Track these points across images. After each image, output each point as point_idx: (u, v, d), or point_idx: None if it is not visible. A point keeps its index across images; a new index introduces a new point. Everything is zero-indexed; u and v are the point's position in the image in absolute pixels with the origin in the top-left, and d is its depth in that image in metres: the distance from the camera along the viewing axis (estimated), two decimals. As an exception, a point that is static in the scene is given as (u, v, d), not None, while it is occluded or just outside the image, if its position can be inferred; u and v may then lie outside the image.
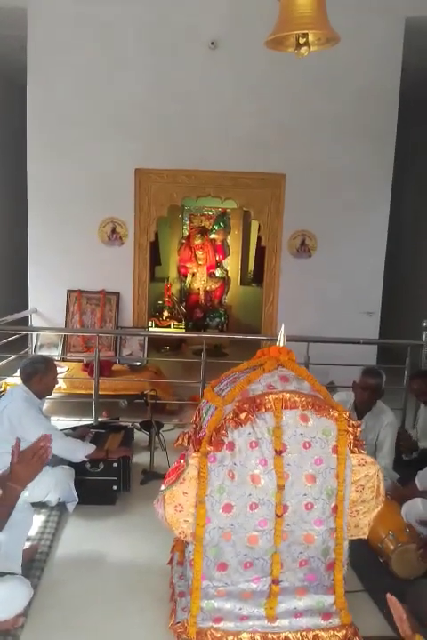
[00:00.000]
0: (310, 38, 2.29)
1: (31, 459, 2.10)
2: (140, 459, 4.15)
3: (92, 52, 5.61)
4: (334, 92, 5.62)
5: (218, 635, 2.23)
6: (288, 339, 2.42)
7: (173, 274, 8.93)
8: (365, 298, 5.96)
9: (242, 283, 8.97)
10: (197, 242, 8.54)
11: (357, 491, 2.28)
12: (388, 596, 2.13)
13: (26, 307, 6.01)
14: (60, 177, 5.79)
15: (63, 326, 5.93)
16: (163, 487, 2.22)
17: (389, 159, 5.77)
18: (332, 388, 4.68)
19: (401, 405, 4.70)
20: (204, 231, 8.63)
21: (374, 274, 5.95)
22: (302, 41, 2.24)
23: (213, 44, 5.51)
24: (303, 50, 2.24)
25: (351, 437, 2.25)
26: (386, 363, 5.08)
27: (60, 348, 5.85)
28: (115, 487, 3.47)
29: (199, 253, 8.59)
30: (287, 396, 2.19)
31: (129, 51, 5.61)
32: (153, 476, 3.88)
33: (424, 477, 3.35)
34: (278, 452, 2.17)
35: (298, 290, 5.92)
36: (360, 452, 2.28)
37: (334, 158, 5.74)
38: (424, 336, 4.63)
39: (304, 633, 2.28)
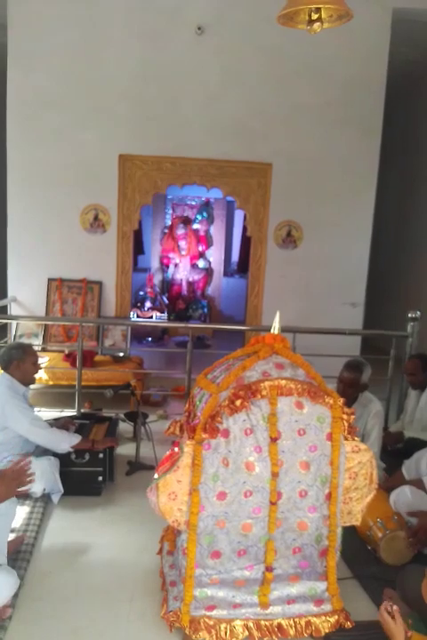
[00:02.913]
0: (323, 15, 2.26)
1: (11, 481, 2.17)
2: (125, 450, 4.10)
3: (75, 35, 5.46)
4: (321, 80, 5.61)
5: (211, 623, 2.21)
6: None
7: (155, 264, 8.84)
8: (349, 289, 5.99)
9: (225, 274, 8.93)
10: (180, 232, 8.46)
11: (350, 477, 2.28)
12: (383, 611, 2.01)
13: (5, 295, 5.86)
14: (41, 163, 5.64)
15: (43, 315, 5.81)
16: (156, 475, 2.18)
17: (375, 149, 5.79)
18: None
19: (386, 396, 4.73)
20: (187, 221, 8.56)
21: (358, 265, 5.98)
22: (314, 17, 2.20)
23: (199, 29, 5.43)
24: (316, 26, 2.21)
25: (345, 424, 2.25)
26: (370, 354, 5.11)
27: (41, 337, 5.72)
28: (100, 478, 3.41)
29: (182, 243, 8.53)
30: (283, 382, 2.17)
31: (113, 34, 5.49)
32: (139, 466, 3.84)
33: (410, 466, 3.39)
34: (273, 439, 2.15)
35: (283, 281, 5.91)
36: (354, 439, 2.28)
37: (320, 148, 5.74)
38: (409, 327, 4.66)
39: (297, 619, 2.27)
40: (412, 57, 6.51)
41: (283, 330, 2.42)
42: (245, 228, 6.10)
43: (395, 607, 1.98)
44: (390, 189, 7.87)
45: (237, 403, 2.11)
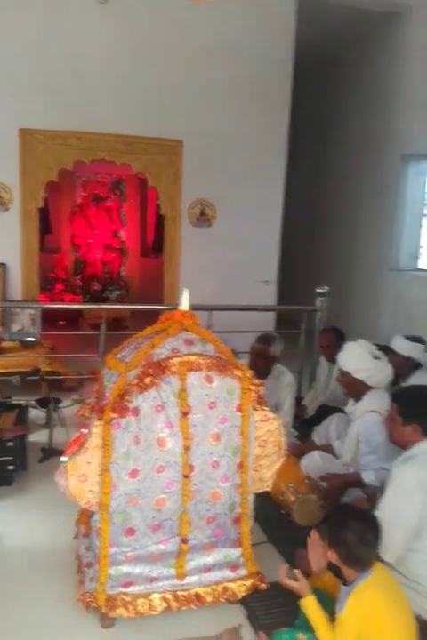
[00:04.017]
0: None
1: None
2: (39, 437, 3.96)
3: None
4: (230, 58, 5.62)
5: (128, 599, 2.21)
6: (191, 307, 2.40)
7: (66, 244, 8.49)
8: (262, 267, 6.13)
9: (142, 254, 8.79)
10: (91, 210, 8.21)
11: (260, 446, 2.36)
12: (312, 532, 2.21)
13: None
14: None
15: None
16: (65, 458, 2.12)
17: (283, 127, 5.93)
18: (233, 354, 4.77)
19: (298, 369, 4.92)
20: (98, 199, 8.30)
21: (270, 243, 6.14)
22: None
23: (102, -2, 5.22)
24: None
25: (254, 395, 2.32)
26: (283, 329, 5.29)
27: None
28: (11, 467, 3.29)
29: (94, 222, 8.27)
30: (192, 358, 2.19)
31: (11, 1, 5.12)
32: (52, 453, 3.73)
33: (320, 432, 3.58)
34: (184, 414, 2.17)
35: (199, 259, 5.92)
36: (263, 409, 2.35)
37: (230, 126, 5.77)
38: (318, 302, 4.87)
39: (214, 586, 2.34)
40: (320, 42, 6.67)
41: (198, 308, 2.44)
42: (158, 207, 6.01)
43: (295, 571, 2.10)
44: (303, 173, 8.10)
45: (147, 380, 2.10)
